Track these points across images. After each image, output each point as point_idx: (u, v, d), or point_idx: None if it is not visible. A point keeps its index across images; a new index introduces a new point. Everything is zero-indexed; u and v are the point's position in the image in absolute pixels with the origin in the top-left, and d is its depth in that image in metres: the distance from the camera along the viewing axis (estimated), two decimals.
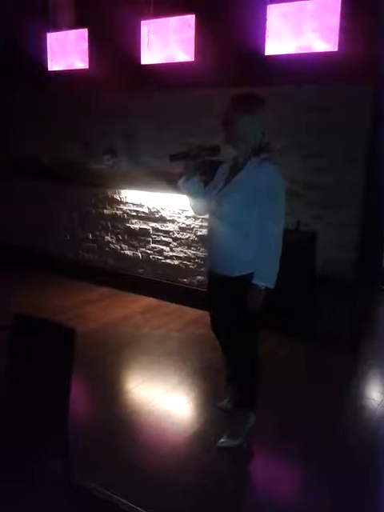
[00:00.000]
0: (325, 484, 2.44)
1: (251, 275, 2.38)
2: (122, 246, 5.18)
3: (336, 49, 5.20)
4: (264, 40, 5.52)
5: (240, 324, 2.55)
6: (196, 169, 2.55)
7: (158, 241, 4.90)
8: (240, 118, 2.37)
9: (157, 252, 4.93)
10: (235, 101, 2.42)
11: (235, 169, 2.48)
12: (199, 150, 2.48)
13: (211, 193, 2.56)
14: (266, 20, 5.48)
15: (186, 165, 2.53)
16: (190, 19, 5.98)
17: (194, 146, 2.49)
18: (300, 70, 5.29)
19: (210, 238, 2.62)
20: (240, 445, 2.64)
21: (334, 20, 5.17)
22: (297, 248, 4.06)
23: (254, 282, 2.36)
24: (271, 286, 2.37)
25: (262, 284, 2.36)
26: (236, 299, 2.45)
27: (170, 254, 4.84)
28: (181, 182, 2.60)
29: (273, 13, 5.46)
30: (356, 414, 3.06)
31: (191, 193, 2.61)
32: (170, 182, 4.55)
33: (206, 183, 2.64)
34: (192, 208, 2.76)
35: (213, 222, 2.58)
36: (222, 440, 2.66)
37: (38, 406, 1.82)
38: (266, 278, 2.36)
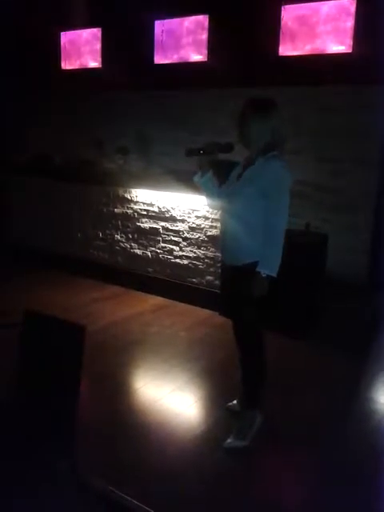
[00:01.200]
0: (331, 487, 2.43)
1: (256, 264, 2.48)
2: (132, 244, 5.19)
3: (350, 50, 5.19)
4: (278, 41, 5.52)
5: (247, 315, 2.63)
6: (210, 166, 2.65)
7: (168, 240, 4.91)
8: (253, 120, 2.47)
9: (166, 251, 4.94)
10: (249, 103, 2.52)
11: (247, 166, 2.58)
12: (214, 146, 2.60)
13: (224, 189, 2.67)
14: (280, 21, 5.48)
15: (201, 161, 2.64)
16: (204, 19, 5.99)
17: (209, 143, 2.61)
18: (314, 71, 5.28)
19: (222, 233, 2.73)
20: (247, 446, 2.64)
21: (349, 22, 5.16)
22: (307, 250, 4.05)
23: (258, 269, 2.46)
24: (274, 274, 2.47)
25: (265, 272, 2.45)
26: (243, 288, 2.53)
27: (180, 253, 4.84)
28: (196, 177, 2.71)
29: (287, 13, 5.46)
30: (364, 417, 3.05)
31: (205, 188, 2.73)
32: (180, 181, 4.56)
33: (220, 183, 2.73)
34: (207, 203, 2.87)
35: (224, 218, 2.69)
36: (228, 440, 2.66)
37: (46, 403, 1.82)
38: (269, 266, 2.47)
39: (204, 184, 2.70)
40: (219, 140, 2.64)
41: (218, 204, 2.78)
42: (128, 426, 2.82)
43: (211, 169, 2.66)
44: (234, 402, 2.97)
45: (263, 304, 2.59)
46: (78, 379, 1.79)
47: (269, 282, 2.47)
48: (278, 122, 2.51)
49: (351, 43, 5.17)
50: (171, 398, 3.15)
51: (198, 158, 2.63)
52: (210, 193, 2.74)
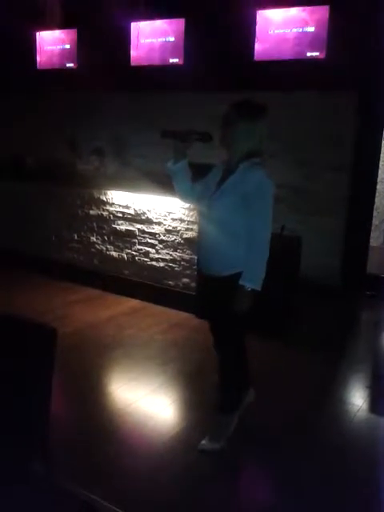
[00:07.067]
0: (304, 488, 2.45)
1: (238, 275, 2.39)
2: (108, 247, 5.17)
3: (323, 56, 5.27)
4: (253, 45, 5.57)
5: (228, 324, 2.59)
6: (185, 153, 2.54)
7: (144, 242, 4.90)
8: (238, 123, 2.39)
9: (142, 254, 4.93)
10: (237, 106, 2.43)
11: (227, 172, 2.49)
12: (191, 132, 2.50)
13: (203, 193, 2.56)
14: (255, 25, 5.53)
15: (176, 147, 2.53)
16: (180, 23, 6.01)
17: (187, 129, 2.51)
18: (288, 77, 5.34)
19: (201, 241, 2.63)
20: (221, 447, 2.65)
21: (322, 27, 5.24)
22: (281, 253, 4.08)
23: (241, 283, 2.37)
24: (258, 287, 2.38)
25: (249, 285, 2.37)
26: (224, 299, 2.46)
27: (156, 256, 4.84)
28: (169, 163, 2.58)
29: (262, 18, 5.51)
30: (336, 418, 3.09)
31: (177, 178, 2.60)
32: (157, 183, 4.56)
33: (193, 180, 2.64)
34: (177, 193, 2.72)
35: (204, 225, 2.58)
36: (203, 442, 2.66)
37: (17, 407, 1.80)
38: (252, 279, 2.38)
39: (176, 172, 2.56)
40: (197, 127, 2.54)
41: (187, 194, 2.68)
42: (102, 429, 2.81)
43: (187, 157, 2.54)
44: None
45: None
46: (50, 383, 1.78)
47: (252, 295, 2.38)
48: (264, 129, 2.44)
49: (325, 49, 5.25)
50: (146, 400, 3.15)
51: (174, 143, 2.51)
52: (181, 184, 2.61)
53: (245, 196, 2.36)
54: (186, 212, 4.53)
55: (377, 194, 5.88)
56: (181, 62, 6.05)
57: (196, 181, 2.65)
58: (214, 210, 2.48)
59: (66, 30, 6.98)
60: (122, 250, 5.08)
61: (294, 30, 5.40)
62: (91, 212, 5.22)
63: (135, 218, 4.92)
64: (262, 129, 2.43)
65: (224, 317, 2.56)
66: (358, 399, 3.35)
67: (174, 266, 4.74)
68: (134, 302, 4.84)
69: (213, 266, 2.53)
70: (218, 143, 2.47)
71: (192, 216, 4.49)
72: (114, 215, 5.06)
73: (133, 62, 6.41)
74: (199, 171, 2.66)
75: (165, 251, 4.78)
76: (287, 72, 5.36)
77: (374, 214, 5.97)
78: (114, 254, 5.13)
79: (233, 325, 2.59)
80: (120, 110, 6.52)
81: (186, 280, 4.68)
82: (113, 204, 5.06)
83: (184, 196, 2.72)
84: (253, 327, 3.77)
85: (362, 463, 2.66)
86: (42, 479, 1.91)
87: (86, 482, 2.32)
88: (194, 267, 4.57)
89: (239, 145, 2.42)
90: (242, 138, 2.40)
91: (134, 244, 4.98)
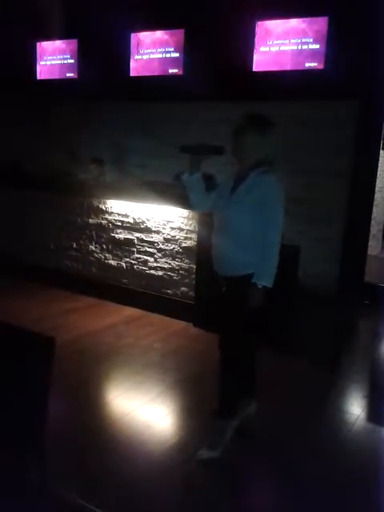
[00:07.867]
0: (302, 498, 2.45)
1: (250, 276, 2.53)
2: (107, 255, 5.18)
3: (322, 67, 5.32)
4: (252, 55, 5.62)
5: (235, 327, 2.65)
6: (200, 166, 2.67)
7: (143, 251, 4.91)
8: (251, 135, 2.56)
9: (141, 262, 4.94)
10: (251, 118, 2.60)
11: (239, 180, 2.63)
12: (208, 146, 2.64)
13: (218, 201, 2.70)
14: (254, 36, 5.59)
15: (192, 160, 2.66)
16: (180, 33, 6.07)
17: (202, 143, 2.66)
18: (287, 86, 5.38)
19: (215, 246, 2.74)
20: (219, 456, 2.64)
21: (321, 38, 5.29)
22: (279, 261, 4.09)
23: (254, 281, 2.50)
24: (269, 285, 2.53)
25: (261, 283, 2.50)
26: (238, 298, 2.57)
27: (155, 264, 4.85)
28: (185, 176, 2.71)
29: (261, 29, 5.57)
30: (334, 428, 3.08)
31: (192, 188, 2.73)
32: (156, 192, 4.58)
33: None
34: (190, 203, 2.85)
35: (218, 230, 2.71)
36: (201, 451, 2.66)
37: (14, 415, 1.80)
38: (264, 277, 2.52)
39: (192, 183, 2.70)
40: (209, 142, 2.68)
41: (200, 205, 2.82)
42: (100, 439, 2.80)
43: (200, 168, 2.68)
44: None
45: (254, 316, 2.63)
46: (47, 391, 1.78)
47: (264, 293, 2.52)
48: (273, 141, 2.60)
49: (323, 60, 5.30)
50: (144, 409, 3.14)
51: (191, 156, 2.66)
52: (196, 194, 2.74)
53: (257, 201, 2.52)
54: (185, 221, 4.54)
55: (375, 204, 5.91)
56: (180, 73, 6.11)
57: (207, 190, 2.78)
58: (227, 215, 2.63)
59: (66, 41, 7.05)
60: (120, 259, 5.08)
61: (293, 40, 5.46)
62: (90, 220, 5.24)
63: (134, 227, 4.93)
64: (270, 141, 2.60)
65: (233, 317, 2.64)
66: (356, 408, 3.34)
67: (172, 274, 4.75)
68: (133, 311, 4.84)
69: (227, 267, 2.66)
70: (231, 153, 2.62)
71: (191, 225, 4.50)
72: (113, 224, 5.08)
73: (132, 73, 6.48)
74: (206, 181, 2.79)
75: (163, 260, 4.79)
76: (286, 82, 5.41)
77: (372, 223, 6.00)
78: (113, 262, 5.14)
79: (239, 328, 2.65)
80: (119, 120, 6.56)
81: (184, 289, 4.68)
82: (112, 213, 5.07)
83: (198, 205, 2.85)
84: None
85: (361, 472, 2.65)
86: (38, 488, 1.91)
87: (83, 491, 2.31)
88: (193, 276, 4.58)
89: (250, 155, 2.59)
90: (252, 149, 2.57)
91: (133, 253, 4.98)
